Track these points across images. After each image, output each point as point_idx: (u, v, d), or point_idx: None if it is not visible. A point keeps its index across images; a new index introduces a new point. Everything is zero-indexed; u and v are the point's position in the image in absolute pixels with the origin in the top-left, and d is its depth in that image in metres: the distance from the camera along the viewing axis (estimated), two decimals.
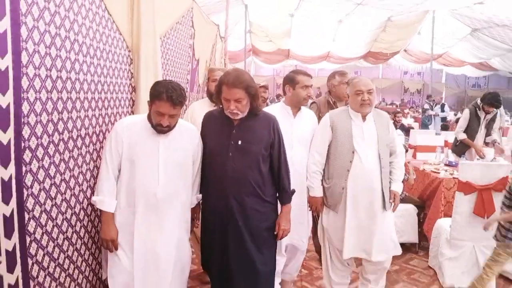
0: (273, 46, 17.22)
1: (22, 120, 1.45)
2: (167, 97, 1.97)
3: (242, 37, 14.87)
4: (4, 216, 1.37)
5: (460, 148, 4.91)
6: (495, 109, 4.76)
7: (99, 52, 2.13)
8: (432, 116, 10.44)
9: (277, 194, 2.33)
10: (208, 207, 2.27)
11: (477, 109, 4.76)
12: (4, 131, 1.35)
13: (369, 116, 2.67)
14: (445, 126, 9.06)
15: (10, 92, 1.36)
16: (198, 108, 2.90)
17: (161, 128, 2.04)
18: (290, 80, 2.78)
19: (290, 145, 2.53)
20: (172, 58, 3.53)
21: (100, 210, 2.05)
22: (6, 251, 1.39)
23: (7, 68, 1.34)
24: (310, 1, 12.06)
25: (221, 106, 2.21)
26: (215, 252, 2.23)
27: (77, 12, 1.86)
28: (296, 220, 2.54)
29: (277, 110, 2.71)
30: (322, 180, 2.73)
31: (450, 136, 5.58)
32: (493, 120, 4.86)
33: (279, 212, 2.33)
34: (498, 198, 3.02)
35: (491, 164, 3.33)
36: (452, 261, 3.19)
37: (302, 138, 2.73)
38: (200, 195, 2.35)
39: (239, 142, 2.17)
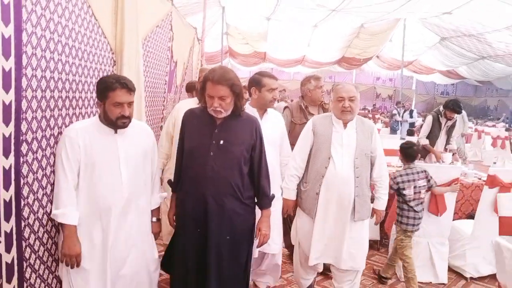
0: (250, 49, 17.43)
1: (21, 115, 1.61)
2: (121, 85, 1.96)
3: (219, 39, 15.00)
4: (4, 201, 1.54)
5: (421, 153, 5.24)
6: (456, 116, 5.10)
7: (86, 54, 2.29)
8: (400, 122, 10.89)
9: (256, 198, 2.31)
10: (186, 207, 2.22)
11: (439, 115, 5.08)
12: (7, 125, 1.52)
13: (351, 123, 2.64)
14: (411, 131, 9.51)
15: (12, 91, 1.53)
16: (185, 107, 2.80)
17: (122, 120, 2.00)
18: (256, 83, 2.78)
19: None
20: (152, 60, 3.70)
21: (61, 224, 1.93)
22: (5, 232, 1.55)
23: (10, 69, 1.51)
24: (286, 5, 12.33)
25: (204, 104, 2.20)
26: (189, 253, 2.19)
27: (68, 18, 2.02)
28: None
29: None
30: (300, 184, 2.74)
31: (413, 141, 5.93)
32: (453, 126, 5.21)
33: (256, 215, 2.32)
34: (449, 197, 3.34)
35: (444, 166, 3.66)
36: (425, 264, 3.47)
37: (271, 140, 2.70)
38: (165, 194, 2.38)
39: (221, 142, 2.14)
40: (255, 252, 2.56)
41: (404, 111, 11.11)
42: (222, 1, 12.36)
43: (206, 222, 2.13)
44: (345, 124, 2.63)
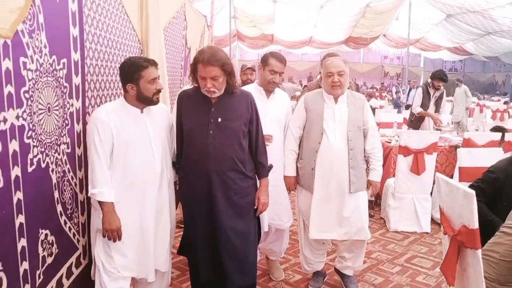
0: (257, 31, 17.76)
1: (85, 94, 2.19)
2: (150, 62, 2.10)
3: (227, 22, 15.39)
4: (77, 155, 2.12)
5: (415, 123, 5.73)
6: (442, 86, 5.57)
7: (122, 45, 2.84)
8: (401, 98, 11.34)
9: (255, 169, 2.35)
10: (190, 186, 2.26)
11: (428, 87, 5.57)
12: (77, 100, 2.09)
13: (342, 98, 2.67)
14: (408, 105, 9.98)
15: (79, 76, 2.09)
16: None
17: (157, 96, 2.14)
18: (264, 60, 2.80)
19: (263, 125, 2.46)
20: (170, 48, 4.24)
21: (100, 202, 2.03)
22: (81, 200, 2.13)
23: (78, 59, 2.07)
24: None
25: (196, 85, 2.24)
26: (199, 231, 2.24)
27: (109, 17, 2.57)
28: (273, 200, 2.51)
29: (250, 90, 2.61)
30: (297, 161, 2.78)
31: (408, 114, 6.44)
32: (440, 97, 5.66)
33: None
34: (428, 159, 3.87)
35: (424, 132, 4.18)
36: (396, 210, 4.03)
37: (275, 119, 2.75)
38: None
39: (219, 120, 2.17)
40: (265, 226, 2.59)
41: (411, 88, 11.51)
42: None
43: (212, 199, 2.18)
44: (336, 99, 2.67)
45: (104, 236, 2.05)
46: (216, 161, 2.16)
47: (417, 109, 5.59)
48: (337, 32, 17.95)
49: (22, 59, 1.54)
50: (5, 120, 1.45)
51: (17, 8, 1.49)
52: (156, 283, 2.31)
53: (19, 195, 1.55)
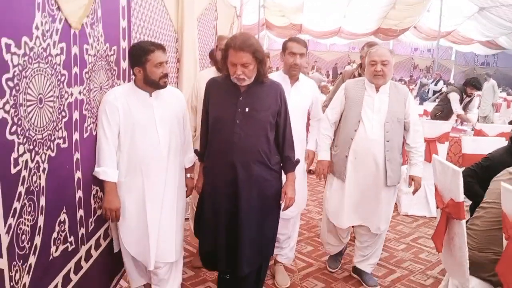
0: (286, 21, 17.95)
1: (131, 77, 2.54)
2: (157, 46, 2.11)
3: (256, 12, 15.64)
4: None
5: (439, 119, 5.88)
6: (475, 93, 5.69)
7: (160, 35, 3.19)
8: (428, 90, 11.37)
9: (281, 163, 2.31)
10: (215, 175, 2.24)
11: (463, 92, 5.65)
12: (124, 81, 2.45)
13: (384, 88, 2.62)
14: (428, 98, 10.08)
15: (127, 61, 2.44)
16: (207, 76, 2.70)
17: (164, 79, 2.14)
18: (283, 46, 2.76)
19: None
20: (202, 37, 4.58)
21: (102, 181, 2.08)
22: None
23: (125, 47, 2.42)
24: None
25: (226, 73, 2.18)
26: (219, 220, 2.22)
27: (151, 10, 2.92)
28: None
29: (275, 78, 2.51)
30: (331, 148, 2.76)
31: (429, 106, 6.59)
32: (469, 102, 5.80)
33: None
34: (440, 147, 4.09)
35: (436, 122, 4.38)
36: (407, 195, 4.26)
37: (298, 107, 2.68)
38: (193, 155, 2.44)
39: (247, 109, 2.13)
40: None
41: (433, 81, 11.53)
42: None
43: (236, 189, 2.16)
44: (377, 89, 2.62)
45: (103, 216, 2.12)
46: (242, 152, 2.13)
47: (460, 111, 5.58)
48: (366, 23, 17.91)
49: (85, 46, 1.90)
50: (71, 94, 1.81)
51: (83, 5, 1.84)
52: (169, 274, 2.36)
53: (77, 155, 1.91)
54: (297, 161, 2.35)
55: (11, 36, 1.35)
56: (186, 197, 2.50)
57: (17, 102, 1.40)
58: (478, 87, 5.54)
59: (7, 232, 1.37)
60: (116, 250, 2.35)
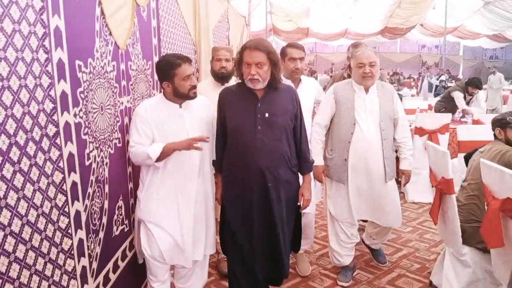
0: (293, 25, 18.27)
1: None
2: (183, 60, 2.14)
3: (263, 18, 16.04)
4: None
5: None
6: (477, 91, 5.95)
7: (181, 48, 3.60)
8: (433, 86, 11.69)
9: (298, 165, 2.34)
10: (238, 183, 2.23)
11: (465, 91, 5.88)
12: (157, 91, 2.85)
13: (372, 88, 2.69)
14: (437, 94, 10.40)
15: (157, 57, 2.82)
16: (204, 88, 2.88)
17: (193, 91, 2.17)
18: (281, 53, 2.81)
19: None
20: None
21: (160, 156, 2.10)
22: None
23: (156, 45, 2.81)
24: None
25: (241, 79, 2.21)
26: (250, 227, 2.23)
27: (173, 26, 3.33)
28: None
29: None
30: (325, 151, 2.83)
31: (433, 101, 6.91)
32: (471, 100, 6.10)
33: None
34: (442, 138, 4.41)
35: (436, 115, 4.71)
36: (413, 184, 4.58)
37: (305, 108, 2.66)
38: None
39: (266, 115, 2.15)
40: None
41: (439, 76, 11.81)
42: None
43: (266, 195, 2.17)
44: (366, 90, 2.69)
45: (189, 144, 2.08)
46: (267, 158, 2.15)
47: (464, 106, 5.75)
48: (372, 23, 18.12)
49: (129, 62, 2.31)
50: (122, 103, 2.22)
51: (127, 28, 2.25)
52: (192, 271, 2.42)
53: (128, 153, 2.31)
54: (313, 162, 2.43)
55: (81, 59, 1.76)
56: None
57: (87, 110, 1.81)
58: (480, 87, 5.79)
59: (85, 211, 1.78)
60: (140, 262, 2.42)
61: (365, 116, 2.66)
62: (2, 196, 1.25)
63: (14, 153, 1.31)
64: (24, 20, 1.36)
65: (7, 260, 1.27)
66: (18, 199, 1.33)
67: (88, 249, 1.80)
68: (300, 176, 2.39)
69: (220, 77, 2.94)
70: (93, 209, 1.85)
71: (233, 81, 2.88)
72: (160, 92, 2.32)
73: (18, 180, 1.33)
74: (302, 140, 2.31)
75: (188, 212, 2.22)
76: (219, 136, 2.32)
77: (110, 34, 2.06)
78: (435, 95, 10.62)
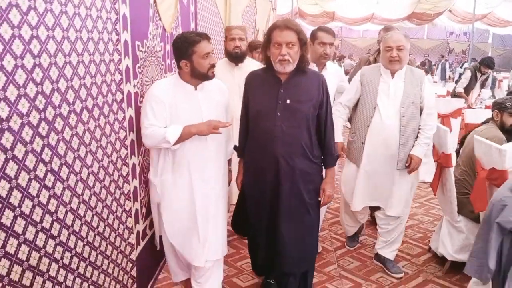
0: (319, 9, 18.24)
1: None
2: (202, 36, 2.02)
3: (289, 1, 16.13)
4: None
5: (458, 97, 6.43)
6: (489, 71, 6.22)
7: (214, 31, 3.95)
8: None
9: (322, 157, 2.25)
10: (256, 170, 2.21)
11: (476, 70, 6.21)
12: None
13: (399, 73, 2.62)
14: (456, 81, 10.55)
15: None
16: (218, 68, 2.63)
17: (212, 70, 2.05)
18: (312, 35, 2.78)
19: None
20: None
21: (179, 139, 2.00)
22: None
23: (193, 28, 3.19)
24: None
25: (267, 62, 2.13)
26: (261, 214, 2.22)
27: (207, 11, 3.68)
28: None
29: None
30: (348, 135, 2.85)
31: (451, 87, 7.12)
32: (486, 79, 6.33)
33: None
34: (454, 122, 4.68)
35: (450, 99, 4.95)
36: (424, 164, 4.85)
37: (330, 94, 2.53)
38: (232, 149, 2.37)
39: (288, 101, 2.07)
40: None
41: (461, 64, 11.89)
42: None
43: (278, 183, 2.13)
44: (392, 74, 2.63)
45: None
46: (284, 146, 2.09)
47: (459, 89, 6.19)
48: (399, 7, 17.94)
49: None
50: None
51: (172, 13, 2.63)
52: (211, 271, 2.23)
53: None
54: (337, 156, 2.31)
55: (139, 39, 2.15)
56: None
57: (142, 82, 2.21)
58: (491, 66, 6.09)
59: (139, 164, 2.19)
60: (158, 248, 2.41)
61: (387, 101, 2.61)
62: (87, 143, 1.66)
63: (96, 112, 1.72)
64: (103, 8, 1.75)
65: (89, 192, 1.69)
66: (97, 148, 1.74)
67: (139, 196, 2.22)
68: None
69: (234, 56, 2.91)
70: (144, 164, 2.27)
71: (248, 61, 2.99)
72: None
73: (98, 133, 1.74)
74: (327, 130, 2.20)
75: (201, 201, 2.13)
76: (243, 120, 2.27)
77: (160, 19, 2.44)
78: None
